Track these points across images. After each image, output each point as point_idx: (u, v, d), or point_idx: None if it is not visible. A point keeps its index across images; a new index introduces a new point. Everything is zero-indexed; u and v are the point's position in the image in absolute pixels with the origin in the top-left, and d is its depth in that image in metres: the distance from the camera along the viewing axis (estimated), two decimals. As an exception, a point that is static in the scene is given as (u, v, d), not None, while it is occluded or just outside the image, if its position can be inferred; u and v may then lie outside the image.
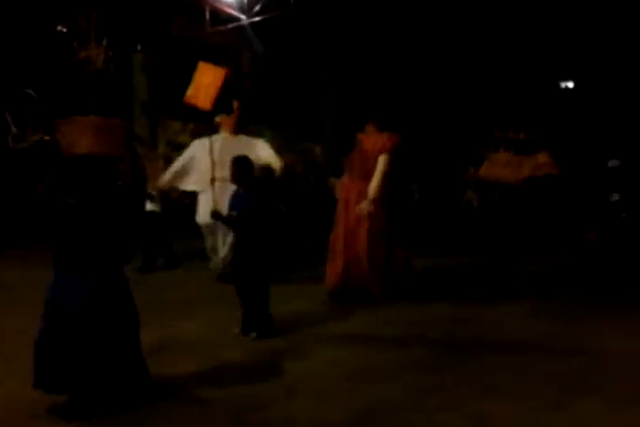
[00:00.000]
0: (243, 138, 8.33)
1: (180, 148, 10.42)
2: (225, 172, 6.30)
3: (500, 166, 7.27)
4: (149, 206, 8.65)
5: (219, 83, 6.67)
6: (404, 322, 6.20)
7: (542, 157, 7.17)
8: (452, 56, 14.73)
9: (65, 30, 13.57)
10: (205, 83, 6.71)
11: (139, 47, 13.73)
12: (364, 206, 6.64)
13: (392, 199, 6.95)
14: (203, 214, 7.63)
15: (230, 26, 13.91)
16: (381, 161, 6.78)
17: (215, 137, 7.63)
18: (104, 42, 5.30)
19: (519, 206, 7.26)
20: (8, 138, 4.98)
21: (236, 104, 7.95)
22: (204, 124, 12.45)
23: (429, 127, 15.57)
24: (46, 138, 4.69)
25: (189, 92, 6.72)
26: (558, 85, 17.20)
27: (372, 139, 7.01)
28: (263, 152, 8.08)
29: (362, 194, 6.79)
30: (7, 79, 14.07)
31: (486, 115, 13.28)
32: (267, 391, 4.30)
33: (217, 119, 8.20)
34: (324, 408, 4.05)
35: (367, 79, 15.16)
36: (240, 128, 8.53)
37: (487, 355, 5.17)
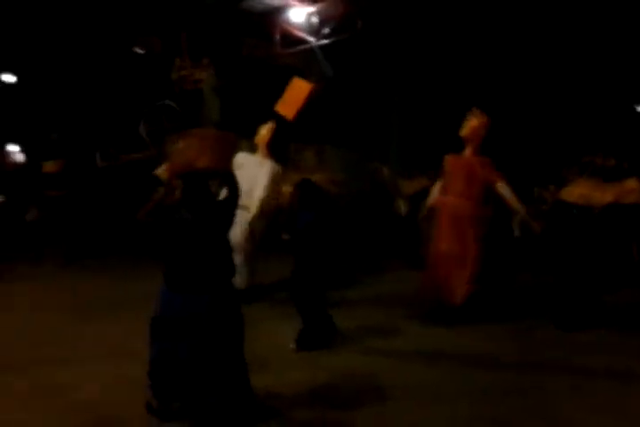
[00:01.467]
0: (266, 163, 7.90)
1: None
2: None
3: (583, 189, 7.01)
4: None
5: (304, 95, 7.07)
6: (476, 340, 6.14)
7: (630, 184, 6.79)
8: (528, 75, 14.52)
9: (142, 52, 14.18)
10: (293, 95, 7.16)
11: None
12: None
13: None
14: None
15: (299, 48, 14.23)
16: (504, 188, 6.99)
17: (242, 158, 7.43)
18: (205, 61, 5.41)
19: (595, 232, 6.94)
20: (96, 155, 5.07)
21: (270, 126, 7.91)
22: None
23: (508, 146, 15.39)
24: (139, 156, 4.72)
25: (279, 102, 7.21)
26: (634, 109, 16.68)
27: (462, 160, 7.25)
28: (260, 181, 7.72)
29: (458, 210, 7.03)
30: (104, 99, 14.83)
31: (569, 137, 13.03)
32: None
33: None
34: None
35: (434, 99, 15.15)
36: (273, 151, 8.21)
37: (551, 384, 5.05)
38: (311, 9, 13.16)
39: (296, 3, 13.13)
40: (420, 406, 4.48)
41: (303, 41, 13.99)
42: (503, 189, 6.98)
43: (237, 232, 7.23)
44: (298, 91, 7.37)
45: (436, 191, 7.53)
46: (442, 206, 7.27)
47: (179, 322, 3.76)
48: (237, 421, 3.88)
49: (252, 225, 7.55)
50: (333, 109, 14.51)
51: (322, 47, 14.08)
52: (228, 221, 4.08)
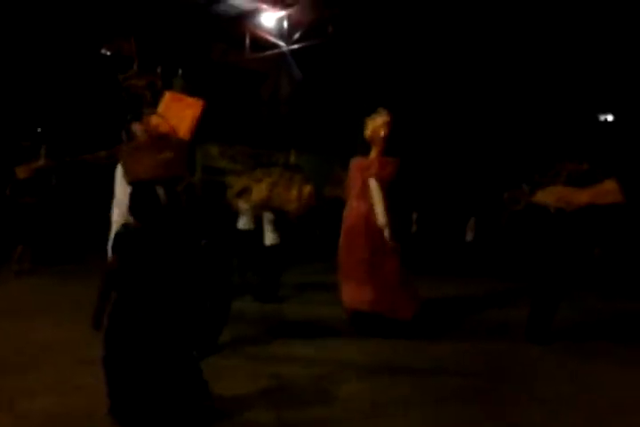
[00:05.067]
0: None
1: (217, 172, 10.45)
2: None
3: (560, 192, 6.81)
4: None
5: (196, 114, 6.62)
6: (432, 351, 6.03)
7: (609, 185, 6.54)
8: (493, 83, 14.67)
9: (109, 54, 13.93)
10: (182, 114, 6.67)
11: (179, 72, 13.98)
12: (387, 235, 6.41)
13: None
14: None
15: (270, 52, 14.19)
16: (373, 186, 6.55)
17: None
18: (158, 70, 5.43)
19: (573, 231, 6.72)
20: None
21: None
22: (243, 149, 12.59)
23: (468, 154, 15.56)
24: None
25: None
26: (597, 118, 17.01)
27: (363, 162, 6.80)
28: None
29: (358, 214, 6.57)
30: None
31: (540, 145, 13.17)
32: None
33: None
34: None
35: (404, 103, 15.20)
36: None
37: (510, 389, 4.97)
38: (282, 13, 13.12)
39: (267, 7, 13.07)
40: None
41: (273, 46, 13.95)
42: (372, 186, 6.50)
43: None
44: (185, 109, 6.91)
45: None
46: (346, 210, 6.84)
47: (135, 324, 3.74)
48: (190, 422, 3.87)
49: None
50: (303, 114, 14.46)
51: (292, 52, 14.05)
52: (188, 226, 4.16)
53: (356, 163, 6.88)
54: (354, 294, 6.43)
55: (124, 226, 3.89)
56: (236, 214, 8.15)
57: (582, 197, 6.57)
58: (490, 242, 13.84)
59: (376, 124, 6.85)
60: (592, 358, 5.79)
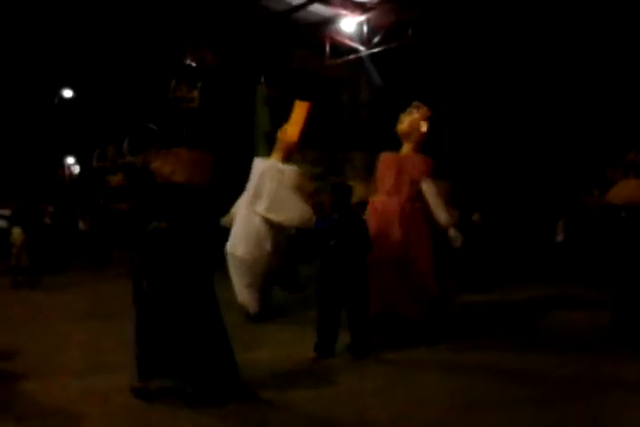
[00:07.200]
0: (287, 169, 7.14)
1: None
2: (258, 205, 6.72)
3: (631, 189, 6.48)
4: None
5: (304, 115, 6.98)
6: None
7: None
8: (572, 77, 14.18)
9: (193, 65, 14.42)
10: (296, 116, 7.07)
11: (262, 79, 14.28)
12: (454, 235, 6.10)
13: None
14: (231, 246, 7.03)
15: (349, 57, 14.24)
16: (429, 188, 6.23)
17: (260, 163, 7.18)
18: (199, 85, 5.75)
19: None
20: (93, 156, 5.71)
21: (297, 128, 7.25)
22: (323, 154, 12.73)
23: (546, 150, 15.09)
24: (131, 160, 5.31)
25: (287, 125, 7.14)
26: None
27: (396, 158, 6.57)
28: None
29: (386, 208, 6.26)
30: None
31: (610, 138, 12.62)
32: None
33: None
34: None
35: (484, 108, 14.92)
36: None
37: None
38: (362, 18, 13.15)
39: (347, 13, 13.14)
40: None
41: (353, 50, 13.99)
42: (428, 188, 6.18)
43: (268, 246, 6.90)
44: (299, 112, 7.21)
45: None
46: (372, 207, 6.51)
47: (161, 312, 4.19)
48: (215, 393, 4.20)
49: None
50: (382, 119, 14.42)
51: (372, 56, 14.04)
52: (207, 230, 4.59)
53: (387, 158, 6.59)
54: (381, 294, 6.05)
55: (152, 225, 4.31)
56: None
57: None
58: (582, 244, 13.28)
59: (414, 119, 6.55)
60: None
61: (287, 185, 6.89)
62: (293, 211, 6.80)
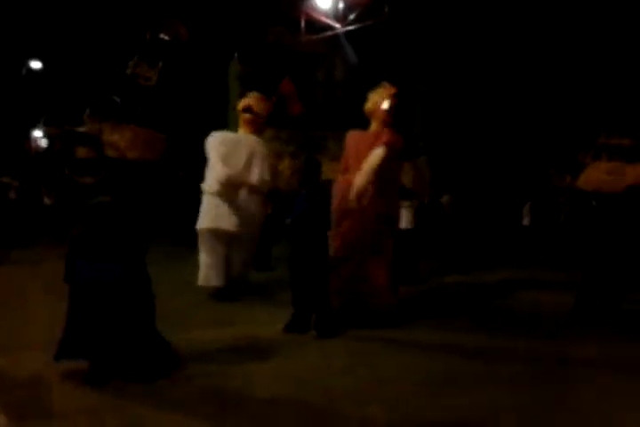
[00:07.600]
0: (260, 141, 7.26)
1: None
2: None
3: (602, 174, 6.47)
4: None
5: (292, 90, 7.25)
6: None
7: None
8: (547, 56, 14.24)
9: (167, 39, 14.10)
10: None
11: (235, 55, 14.07)
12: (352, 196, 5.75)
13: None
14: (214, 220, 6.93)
15: (325, 34, 14.08)
16: (374, 154, 5.89)
17: (227, 135, 7.19)
18: (159, 64, 5.71)
19: (621, 217, 6.41)
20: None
21: (266, 104, 7.34)
22: (297, 132, 12.61)
23: (521, 131, 15.21)
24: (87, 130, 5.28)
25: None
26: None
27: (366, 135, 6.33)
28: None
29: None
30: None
31: (581, 117, 12.75)
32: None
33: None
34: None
35: (457, 87, 14.92)
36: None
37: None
38: (338, -5, 12.99)
39: (323, -12, 12.96)
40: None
41: (328, 27, 13.83)
42: (373, 154, 5.86)
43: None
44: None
45: None
46: (337, 185, 6.29)
47: (92, 287, 4.15)
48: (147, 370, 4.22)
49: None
50: (356, 97, 14.32)
51: (347, 34, 13.90)
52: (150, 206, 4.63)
53: (354, 136, 6.42)
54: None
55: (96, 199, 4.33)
56: None
57: (626, 178, 6.21)
58: (548, 227, 13.45)
59: (379, 97, 6.37)
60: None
61: (258, 154, 7.04)
62: (257, 173, 6.99)
